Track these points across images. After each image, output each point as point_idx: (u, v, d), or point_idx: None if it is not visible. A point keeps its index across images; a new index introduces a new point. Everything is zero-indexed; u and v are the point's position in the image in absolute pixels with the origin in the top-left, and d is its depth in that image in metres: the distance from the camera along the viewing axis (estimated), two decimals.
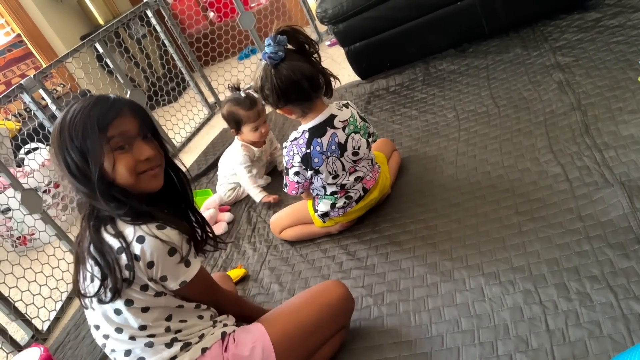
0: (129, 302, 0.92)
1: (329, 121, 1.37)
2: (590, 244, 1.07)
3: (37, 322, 1.83)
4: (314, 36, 3.32)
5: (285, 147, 1.40)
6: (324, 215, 1.48)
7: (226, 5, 3.27)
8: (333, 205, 1.45)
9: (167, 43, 3.04)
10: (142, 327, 0.94)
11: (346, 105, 1.43)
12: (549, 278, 1.05)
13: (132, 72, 3.68)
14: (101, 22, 3.75)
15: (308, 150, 1.36)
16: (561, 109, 1.56)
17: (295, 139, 1.38)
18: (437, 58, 2.23)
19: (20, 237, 2.53)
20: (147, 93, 3.61)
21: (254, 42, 3.17)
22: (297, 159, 1.38)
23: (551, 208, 1.22)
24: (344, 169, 1.41)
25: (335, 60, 2.82)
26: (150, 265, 0.90)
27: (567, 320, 0.95)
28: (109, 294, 0.90)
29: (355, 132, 1.40)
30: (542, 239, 1.14)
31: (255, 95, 1.73)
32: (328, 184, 1.42)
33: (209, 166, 2.42)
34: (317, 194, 1.47)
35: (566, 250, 1.09)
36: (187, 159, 2.72)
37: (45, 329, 1.83)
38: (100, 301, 0.91)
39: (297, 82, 1.28)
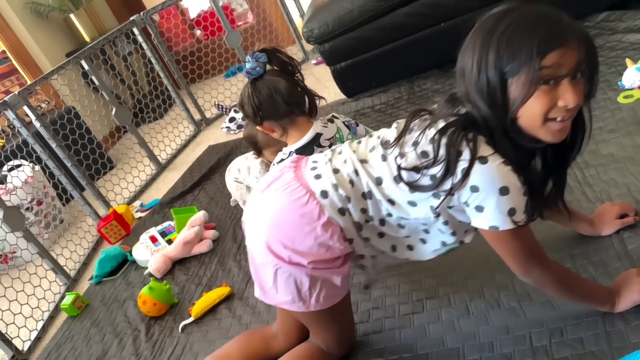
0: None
1: (315, 140, 1.37)
2: (573, 261, 1.09)
3: (17, 342, 1.79)
4: (300, 55, 3.35)
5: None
6: None
7: (213, 23, 3.29)
8: None
9: (153, 60, 3.05)
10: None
11: (331, 120, 1.43)
12: (532, 295, 1.06)
13: (117, 89, 3.67)
14: (87, 39, 3.75)
15: None
16: None
17: (282, 160, 1.39)
18: (422, 77, 2.26)
19: (1, 255, 2.49)
20: (133, 110, 3.61)
21: (240, 60, 3.19)
22: None
23: (534, 225, 1.23)
24: None
25: (319, 80, 2.85)
26: (474, 189, 0.80)
27: (552, 337, 0.96)
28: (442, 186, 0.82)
29: None
30: None
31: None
32: None
33: (194, 183, 2.41)
34: None
35: None
36: (172, 176, 2.71)
37: (25, 349, 1.79)
38: (419, 188, 0.85)
39: (272, 97, 1.30)
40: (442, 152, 0.81)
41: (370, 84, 2.35)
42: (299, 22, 3.30)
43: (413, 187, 0.86)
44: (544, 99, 0.76)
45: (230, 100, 3.29)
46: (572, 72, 0.75)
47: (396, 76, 2.30)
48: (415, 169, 0.85)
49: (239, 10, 4.19)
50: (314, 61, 3.24)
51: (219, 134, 2.98)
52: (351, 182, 0.94)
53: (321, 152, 1.36)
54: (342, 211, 0.94)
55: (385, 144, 0.92)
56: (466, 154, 0.79)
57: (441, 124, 0.84)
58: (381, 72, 2.29)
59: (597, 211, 1.14)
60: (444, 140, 0.82)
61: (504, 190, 0.79)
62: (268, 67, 1.32)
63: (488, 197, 0.80)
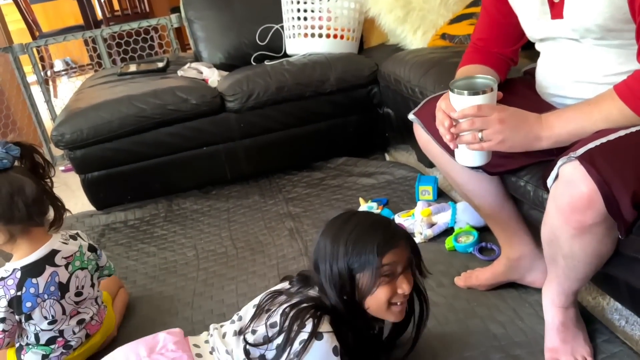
0: None
1: (49, 258, 1.20)
2: None
3: None
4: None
5: None
6: None
7: None
8: (45, 357, 1.22)
9: None
10: None
11: (74, 237, 1.28)
12: None
13: None
14: None
15: (19, 293, 1.15)
16: (291, 254, 1.69)
17: (2, 278, 1.16)
18: (181, 196, 2.24)
19: None
20: None
21: None
22: (3, 302, 1.15)
23: None
24: (64, 313, 1.22)
25: (69, 187, 2.59)
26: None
27: None
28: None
29: (82, 269, 1.25)
30: None
31: None
32: (42, 330, 1.20)
33: None
34: (27, 344, 1.22)
35: None
36: None
37: None
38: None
39: (12, 197, 1.12)
40: (287, 322, 0.93)
41: (125, 198, 2.21)
42: (49, 126, 3.02)
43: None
44: (387, 290, 0.95)
45: None
46: (405, 267, 0.97)
47: (154, 193, 2.23)
48: (263, 342, 0.95)
49: None
50: (62, 168, 2.96)
51: None
52: None
53: (54, 272, 1.19)
54: None
55: (240, 332, 1.02)
56: (308, 327, 0.91)
57: (295, 299, 0.98)
58: (138, 186, 2.19)
59: None
60: (293, 312, 0.94)
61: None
62: (17, 163, 1.16)
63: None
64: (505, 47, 1.19)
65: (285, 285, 1.08)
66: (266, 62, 2.33)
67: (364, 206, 1.81)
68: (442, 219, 1.62)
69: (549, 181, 0.92)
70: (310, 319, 0.92)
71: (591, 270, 0.98)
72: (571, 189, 0.86)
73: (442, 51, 1.99)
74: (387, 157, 2.36)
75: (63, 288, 1.21)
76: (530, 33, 1.11)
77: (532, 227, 1.21)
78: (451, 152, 1.15)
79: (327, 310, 0.96)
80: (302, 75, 2.17)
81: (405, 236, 0.99)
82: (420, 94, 1.79)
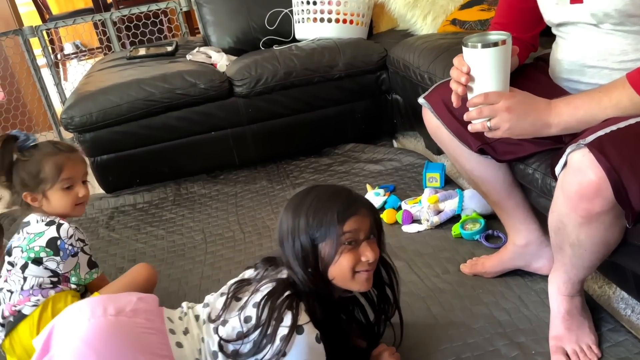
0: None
1: (24, 225, 1.30)
2: None
3: None
4: None
5: None
6: None
7: None
8: None
9: None
10: None
11: (50, 223, 1.28)
12: None
13: None
14: None
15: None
16: None
17: None
18: (189, 180, 2.25)
19: None
20: None
21: None
22: None
23: None
24: None
25: None
26: (283, 354, 0.88)
27: None
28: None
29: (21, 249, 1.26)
30: None
31: None
32: None
33: None
34: None
35: None
36: None
37: None
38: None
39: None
40: (264, 316, 0.90)
41: (134, 181, 2.23)
42: (59, 109, 3.04)
43: (235, 357, 0.92)
44: (350, 257, 0.94)
45: None
46: (367, 235, 0.96)
47: (163, 176, 2.24)
48: (237, 337, 0.91)
49: None
50: None
51: None
52: None
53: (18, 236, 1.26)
54: None
55: (212, 319, 0.98)
56: (287, 321, 0.89)
57: (267, 288, 0.94)
58: (147, 170, 2.21)
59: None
60: (268, 305, 0.91)
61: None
62: None
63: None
64: (525, 32, 1.18)
65: (250, 272, 1.06)
66: (275, 47, 2.32)
67: (370, 192, 1.81)
68: (449, 206, 1.61)
69: (557, 169, 0.92)
70: (288, 312, 0.89)
71: (598, 259, 0.98)
72: (580, 177, 0.85)
73: (452, 37, 1.97)
74: (395, 144, 2.35)
75: (9, 251, 1.27)
76: (548, 17, 1.10)
77: (539, 215, 1.21)
78: (460, 138, 1.14)
79: (299, 291, 0.94)
80: (310, 61, 2.16)
81: (367, 205, 0.99)
82: (430, 80, 1.78)
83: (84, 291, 1.30)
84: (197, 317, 1.02)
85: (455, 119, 1.13)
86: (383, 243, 1.03)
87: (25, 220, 1.30)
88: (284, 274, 0.98)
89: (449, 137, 1.18)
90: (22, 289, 1.20)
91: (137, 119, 2.08)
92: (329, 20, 2.30)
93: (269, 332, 0.88)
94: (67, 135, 3.06)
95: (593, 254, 0.96)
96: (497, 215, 1.31)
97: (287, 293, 0.92)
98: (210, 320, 0.98)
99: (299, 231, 0.94)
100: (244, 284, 1.01)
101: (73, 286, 1.25)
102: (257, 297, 0.93)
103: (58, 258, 1.22)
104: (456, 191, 1.65)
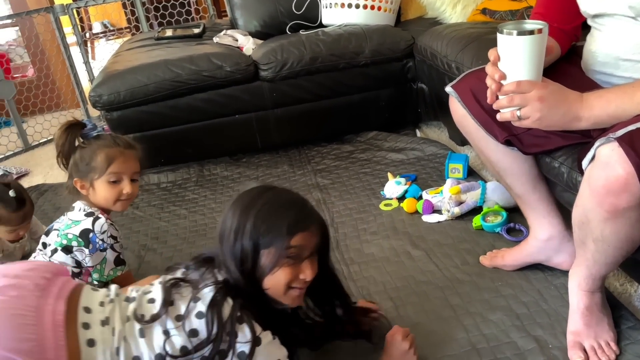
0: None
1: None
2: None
3: None
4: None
5: None
6: None
7: None
8: None
9: None
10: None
11: (90, 214, 1.30)
12: None
13: None
14: None
15: None
16: None
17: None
18: (213, 162, 2.28)
19: None
20: None
21: (9, 114, 2.82)
22: None
23: None
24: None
25: None
26: None
27: None
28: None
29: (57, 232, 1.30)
30: None
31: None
32: None
33: None
34: None
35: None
36: None
37: None
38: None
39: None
40: (214, 331, 0.84)
41: (158, 161, 2.26)
42: (86, 87, 3.09)
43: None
44: (288, 272, 0.90)
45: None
46: (311, 253, 0.94)
47: (187, 157, 2.27)
48: (185, 353, 0.84)
49: (18, 61, 3.80)
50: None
51: None
52: None
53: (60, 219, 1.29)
54: None
55: (139, 319, 0.86)
56: (243, 336, 0.85)
57: (207, 295, 0.87)
58: (171, 150, 2.24)
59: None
60: (216, 318, 0.85)
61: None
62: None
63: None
64: (566, 23, 1.16)
65: (177, 274, 0.95)
66: (301, 32, 2.32)
67: (391, 181, 1.81)
68: (471, 197, 1.60)
69: (585, 162, 0.91)
70: (243, 326, 0.85)
71: (621, 255, 0.96)
72: (607, 171, 0.84)
73: (481, 26, 1.94)
74: (418, 133, 2.34)
75: (48, 231, 1.31)
76: (585, 8, 1.08)
77: (563, 209, 1.20)
78: (487, 128, 1.13)
79: (239, 295, 0.88)
80: (336, 46, 2.15)
81: (319, 221, 0.95)
82: (457, 69, 1.76)
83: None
84: (123, 308, 0.89)
85: (483, 109, 1.12)
86: (329, 257, 1.01)
87: (73, 205, 1.32)
88: (219, 275, 0.91)
89: (475, 127, 1.17)
90: None
91: (164, 100, 2.10)
92: (357, 6, 2.29)
93: (222, 347, 0.84)
94: (94, 113, 3.12)
95: (616, 250, 0.94)
96: (519, 208, 1.30)
97: (231, 302, 0.86)
98: (137, 319, 0.86)
99: (243, 233, 0.88)
100: (178, 284, 0.91)
101: (95, 283, 1.27)
102: (200, 306, 0.86)
103: (87, 250, 1.24)
104: (479, 183, 1.64)
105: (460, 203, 1.60)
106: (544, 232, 1.24)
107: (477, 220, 1.52)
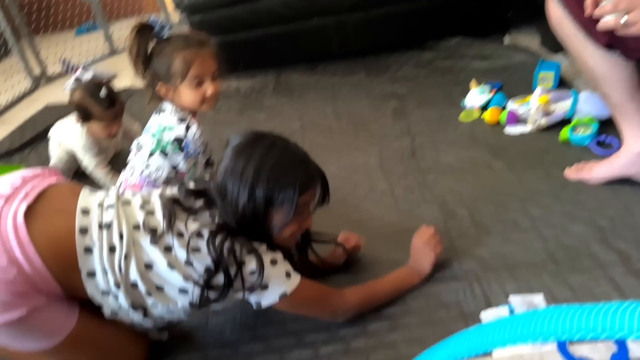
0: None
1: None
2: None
3: None
4: None
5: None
6: None
7: None
8: None
9: None
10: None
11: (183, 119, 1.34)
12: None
13: None
14: None
15: None
16: (393, 133, 1.69)
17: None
18: (290, 69, 2.28)
19: None
20: None
21: (95, 18, 2.91)
22: None
23: (376, 220, 1.31)
24: None
25: None
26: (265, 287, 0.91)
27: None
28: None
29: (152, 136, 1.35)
30: (366, 250, 1.21)
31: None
32: None
33: (24, 143, 2.14)
34: None
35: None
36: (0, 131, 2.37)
37: None
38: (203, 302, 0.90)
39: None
40: (224, 254, 0.88)
41: (238, 66, 2.29)
42: None
43: (202, 304, 0.90)
44: (295, 225, 0.96)
45: (79, 59, 2.98)
46: (314, 207, 0.99)
47: (265, 63, 2.29)
48: (196, 284, 0.88)
49: None
50: None
51: (60, 94, 2.66)
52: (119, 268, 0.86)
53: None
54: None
55: (152, 232, 0.87)
56: (252, 264, 0.89)
57: (205, 232, 0.89)
58: (251, 55, 2.25)
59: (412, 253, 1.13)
60: (226, 245, 0.88)
61: (274, 262, 0.93)
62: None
63: (266, 277, 0.91)
64: None
65: (174, 193, 0.96)
66: None
67: (475, 89, 1.73)
68: (561, 107, 1.51)
69: None
70: (250, 256, 0.89)
71: None
72: None
73: None
74: (506, 40, 2.19)
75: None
76: None
77: None
78: (587, 30, 1.04)
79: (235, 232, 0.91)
80: None
81: (320, 175, 1.00)
82: None
83: None
84: (129, 213, 0.90)
85: (584, 11, 1.03)
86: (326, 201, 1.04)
87: (163, 107, 1.33)
88: (215, 212, 0.93)
89: (573, 30, 1.08)
90: (141, 173, 1.30)
91: (244, 2, 2.09)
92: None
93: (232, 272, 0.88)
94: (174, 18, 3.17)
95: None
96: (613, 119, 1.22)
97: (241, 240, 0.90)
98: (151, 233, 0.87)
99: (256, 186, 0.89)
100: (177, 205, 0.92)
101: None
102: (205, 232, 0.89)
103: (181, 156, 1.30)
104: (570, 92, 1.54)
105: (548, 114, 1.52)
106: (638, 144, 1.16)
107: (564, 133, 1.45)
